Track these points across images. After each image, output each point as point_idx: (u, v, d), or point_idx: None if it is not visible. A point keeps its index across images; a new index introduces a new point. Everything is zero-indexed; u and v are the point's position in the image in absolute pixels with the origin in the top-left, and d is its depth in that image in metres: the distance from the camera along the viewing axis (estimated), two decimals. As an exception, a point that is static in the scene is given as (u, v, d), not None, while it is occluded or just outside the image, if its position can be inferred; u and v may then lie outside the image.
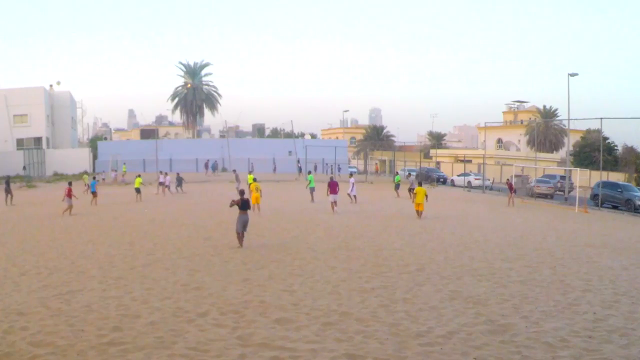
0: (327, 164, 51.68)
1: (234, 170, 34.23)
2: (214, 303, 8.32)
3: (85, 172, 37.93)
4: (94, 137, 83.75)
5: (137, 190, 26.83)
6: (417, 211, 20.03)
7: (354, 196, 25.44)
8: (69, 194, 20.70)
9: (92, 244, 13.75)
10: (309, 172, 29.15)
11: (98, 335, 6.76)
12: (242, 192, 13.76)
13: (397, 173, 35.38)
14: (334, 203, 21.66)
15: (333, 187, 21.91)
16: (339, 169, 49.78)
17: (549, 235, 16.40)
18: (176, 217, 19.52)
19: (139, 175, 28.04)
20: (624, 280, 10.40)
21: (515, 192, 27.71)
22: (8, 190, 24.41)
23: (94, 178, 26.29)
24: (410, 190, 29.18)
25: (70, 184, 22.30)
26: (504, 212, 23.92)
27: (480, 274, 10.69)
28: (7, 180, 25.28)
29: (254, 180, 21.81)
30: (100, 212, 20.72)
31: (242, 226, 13.17)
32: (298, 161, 50.44)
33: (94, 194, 24.67)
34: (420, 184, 21.33)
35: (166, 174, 32.48)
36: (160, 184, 31.22)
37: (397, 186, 31.22)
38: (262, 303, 8.35)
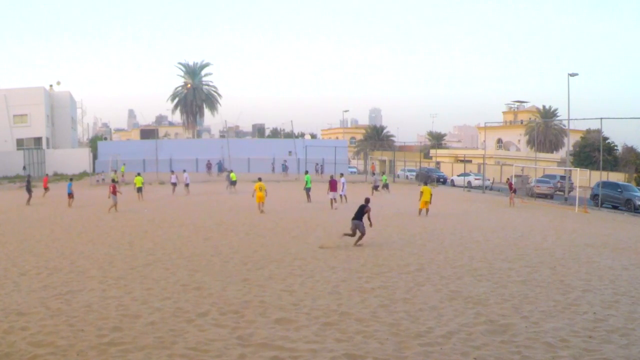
0: (316, 164, 51.17)
1: (230, 171, 34.74)
2: (214, 303, 8.32)
3: (115, 171, 38.41)
4: (94, 137, 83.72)
5: (139, 190, 26.54)
6: (422, 209, 20.70)
7: (344, 196, 25.48)
8: (114, 191, 21.15)
9: (92, 244, 13.75)
10: (306, 172, 29.12)
11: (98, 335, 6.76)
12: (367, 200, 14.21)
13: (384, 173, 36.59)
14: (334, 200, 23.09)
15: (333, 185, 23.29)
16: (321, 170, 49.74)
17: (549, 235, 16.41)
18: (176, 217, 19.52)
19: (139, 174, 27.84)
20: (624, 280, 10.40)
21: (515, 192, 27.60)
22: (29, 190, 24.31)
23: (71, 179, 26.08)
24: (375, 187, 31.54)
25: (114, 181, 22.62)
26: (504, 212, 23.91)
27: (480, 274, 10.69)
28: (28, 180, 25.22)
29: (259, 180, 22.29)
30: (101, 212, 20.71)
31: (353, 229, 13.64)
32: (285, 161, 50.57)
33: (70, 195, 23.56)
34: (425, 184, 22.55)
35: (184, 171, 32.15)
36: (173, 184, 30.96)
37: (385, 185, 33.74)
38: (262, 303, 8.36)
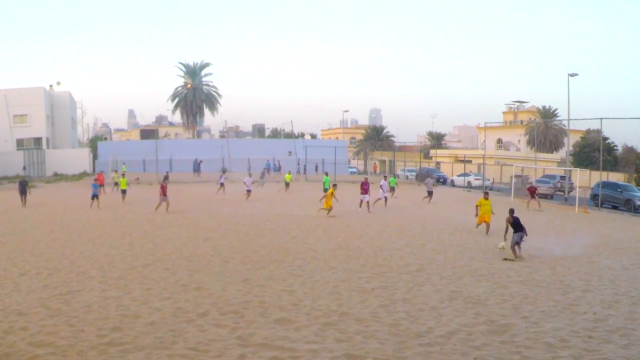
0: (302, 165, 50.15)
1: (271, 167, 35.20)
2: (214, 303, 8.32)
3: (116, 171, 37.51)
4: (94, 137, 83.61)
5: (123, 192, 25.55)
6: (483, 223, 16.74)
7: (385, 199, 24.40)
8: (164, 192, 21.05)
9: (92, 244, 13.75)
10: (326, 173, 28.41)
11: (98, 335, 6.76)
12: (512, 211, 13.65)
13: (326, 174, 29.59)
14: (367, 202, 22.15)
15: (365, 187, 22.51)
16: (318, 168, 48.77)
17: (548, 235, 16.41)
18: (176, 217, 19.52)
19: (124, 175, 27.40)
20: (624, 280, 10.41)
21: (535, 197, 26.10)
22: (23, 192, 24.11)
23: (96, 180, 25.53)
24: (429, 193, 27.20)
25: (164, 179, 22.44)
26: (503, 212, 23.86)
27: (480, 274, 10.70)
28: (21, 182, 25.09)
29: (334, 186, 22.00)
30: (100, 212, 20.71)
31: (517, 241, 12.93)
32: (277, 161, 50.19)
33: (95, 196, 22.89)
34: (486, 195, 17.15)
35: (224, 171, 31.27)
36: (221, 184, 30.44)
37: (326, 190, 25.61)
38: (262, 303, 8.36)
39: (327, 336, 6.89)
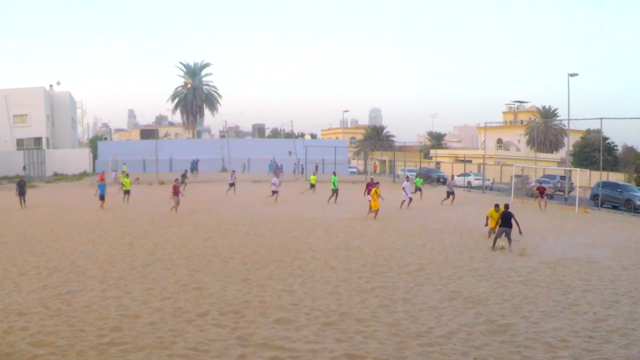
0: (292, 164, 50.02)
1: (279, 166, 34.68)
2: (214, 303, 8.33)
3: (122, 172, 35.55)
4: (94, 137, 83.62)
5: (127, 192, 25.03)
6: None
7: (410, 199, 23.90)
8: (176, 192, 20.80)
9: (92, 244, 13.76)
10: (334, 173, 28.02)
11: (98, 335, 6.77)
12: (506, 206, 14.00)
13: (334, 174, 27.27)
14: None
15: (370, 187, 22.25)
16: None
17: (549, 235, 16.41)
18: (176, 217, 19.52)
19: (127, 176, 26.98)
20: (624, 280, 10.42)
21: (544, 196, 25.99)
22: (22, 193, 23.97)
23: (102, 180, 25.00)
24: (450, 194, 26.21)
25: (177, 180, 22.33)
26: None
27: (480, 274, 10.70)
28: (19, 182, 24.97)
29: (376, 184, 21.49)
30: (100, 212, 20.71)
31: (499, 234, 13.71)
32: (274, 162, 49.52)
33: (102, 197, 22.43)
34: (497, 207, 14.85)
35: (233, 170, 30.41)
36: (231, 184, 30.05)
37: (334, 191, 25.45)
38: (262, 303, 8.37)
39: (327, 336, 6.89)
